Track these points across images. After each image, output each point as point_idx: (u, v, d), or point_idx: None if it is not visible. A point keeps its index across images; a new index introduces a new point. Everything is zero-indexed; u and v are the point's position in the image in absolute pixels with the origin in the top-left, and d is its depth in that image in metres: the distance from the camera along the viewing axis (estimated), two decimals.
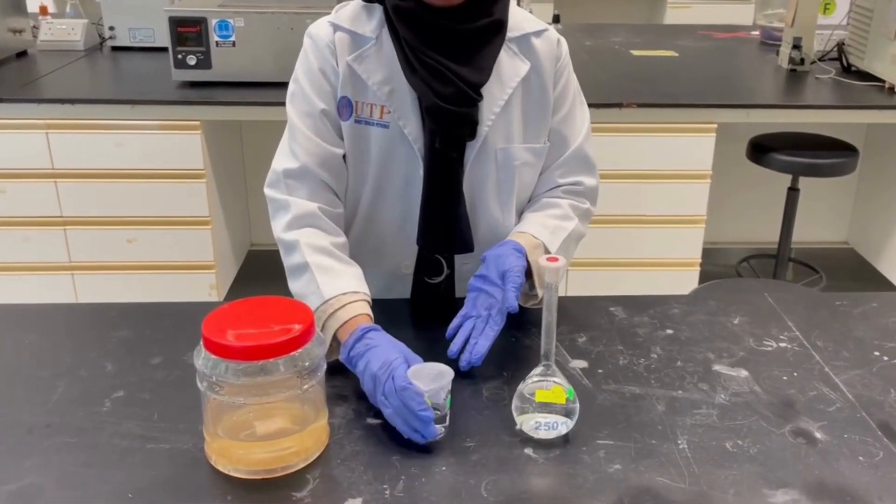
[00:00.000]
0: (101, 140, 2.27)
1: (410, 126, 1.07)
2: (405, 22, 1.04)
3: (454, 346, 0.99)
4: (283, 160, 1.09)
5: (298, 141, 1.08)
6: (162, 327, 1.11)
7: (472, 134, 1.08)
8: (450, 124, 1.06)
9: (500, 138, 1.10)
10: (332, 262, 1.04)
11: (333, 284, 1.01)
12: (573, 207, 1.17)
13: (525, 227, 1.12)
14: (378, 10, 1.09)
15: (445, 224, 1.11)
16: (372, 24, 1.09)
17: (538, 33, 1.12)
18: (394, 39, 1.07)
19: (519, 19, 1.12)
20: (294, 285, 1.06)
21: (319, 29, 1.10)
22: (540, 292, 1.09)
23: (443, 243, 1.14)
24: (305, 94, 1.09)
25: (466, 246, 1.13)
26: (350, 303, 0.99)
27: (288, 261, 1.07)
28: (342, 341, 0.96)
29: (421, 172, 1.09)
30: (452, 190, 1.10)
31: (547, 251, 1.09)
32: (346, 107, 1.09)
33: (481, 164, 1.11)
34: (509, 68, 1.09)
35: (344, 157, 1.11)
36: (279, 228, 1.07)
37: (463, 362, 0.98)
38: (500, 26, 1.08)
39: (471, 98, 1.05)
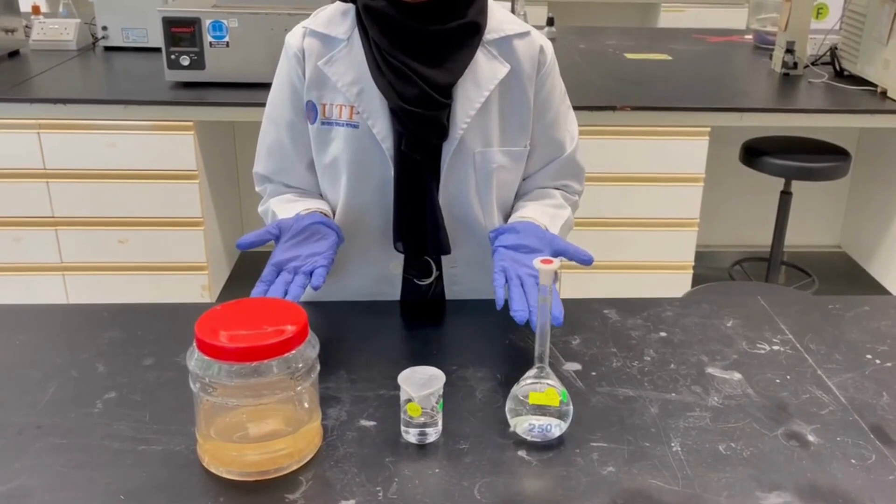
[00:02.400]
0: (93, 140, 2.26)
1: (379, 126, 1.07)
2: (375, 22, 1.05)
3: (521, 310, 0.91)
4: (255, 162, 1.20)
5: (262, 148, 1.18)
6: (154, 328, 1.10)
7: (440, 137, 1.08)
8: (415, 126, 1.06)
9: (478, 141, 1.10)
10: (295, 198, 1.15)
11: (290, 211, 1.09)
12: (564, 197, 1.19)
13: (525, 213, 1.13)
14: (353, 10, 1.10)
15: (419, 226, 1.10)
16: (345, 26, 1.10)
17: (520, 35, 1.10)
18: (363, 40, 1.08)
19: (500, 21, 1.11)
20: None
21: (292, 36, 1.12)
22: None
23: (419, 245, 1.14)
24: (275, 102, 1.15)
25: (442, 248, 1.13)
26: (306, 215, 1.07)
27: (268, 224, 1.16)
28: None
29: (392, 174, 1.09)
30: (423, 192, 1.09)
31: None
32: (311, 110, 1.11)
33: (459, 167, 1.10)
34: (487, 70, 1.08)
35: (308, 165, 1.16)
36: (259, 208, 1.20)
37: (555, 320, 0.89)
38: (474, 28, 1.07)
39: (436, 100, 1.04)
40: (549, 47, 1.13)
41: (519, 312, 0.92)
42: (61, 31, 2.74)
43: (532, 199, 1.17)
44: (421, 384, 0.85)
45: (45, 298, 2.37)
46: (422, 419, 0.85)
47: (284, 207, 1.13)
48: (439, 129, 1.07)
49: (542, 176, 1.18)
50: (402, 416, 0.87)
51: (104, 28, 2.71)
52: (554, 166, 1.17)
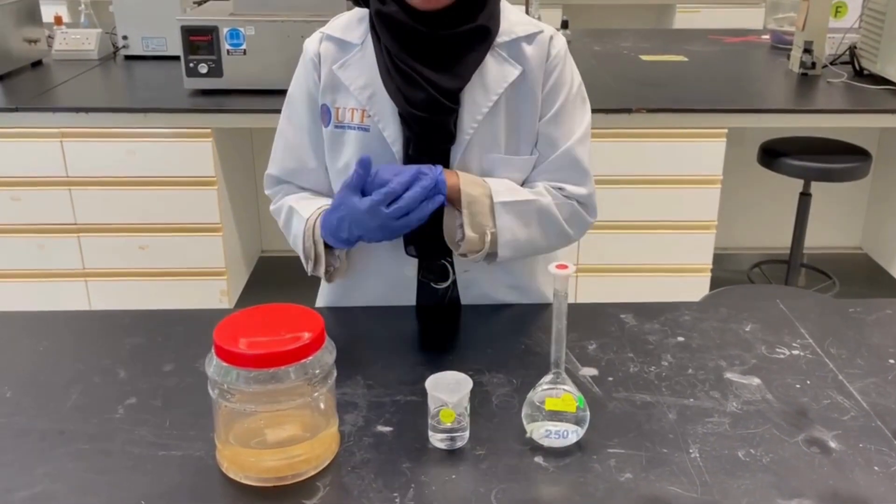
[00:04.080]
0: (114, 148, 2.29)
1: (389, 130, 1.08)
2: (386, 27, 1.06)
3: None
4: (269, 165, 1.21)
5: (278, 149, 1.19)
6: (174, 334, 1.11)
7: (447, 141, 1.08)
8: (423, 131, 1.06)
9: (484, 146, 1.09)
10: (309, 195, 1.17)
11: (313, 205, 1.12)
12: (548, 191, 1.11)
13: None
14: (368, 16, 1.11)
15: (429, 229, 1.09)
16: (360, 31, 1.11)
17: (530, 38, 1.09)
18: (375, 45, 1.09)
19: (511, 23, 1.10)
20: (290, 236, 1.16)
21: (309, 42, 1.14)
22: (469, 233, 1.05)
23: (430, 248, 1.13)
24: (292, 106, 1.16)
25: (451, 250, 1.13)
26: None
27: (280, 221, 1.19)
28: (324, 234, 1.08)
29: None
30: None
31: (490, 197, 1.05)
32: (325, 114, 1.13)
33: (464, 171, 1.09)
34: (497, 74, 1.08)
35: (323, 168, 1.16)
36: (271, 207, 1.21)
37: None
38: (484, 33, 1.07)
39: (443, 105, 1.04)
40: (559, 39, 1.11)
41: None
42: (83, 40, 2.78)
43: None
44: (451, 389, 0.85)
45: (68, 304, 2.41)
46: (451, 424, 0.86)
47: (303, 204, 1.14)
48: (446, 134, 1.07)
49: (537, 173, 1.13)
50: (431, 421, 0.87)
51: (124, 37, 2.75)
52: (549, 162, 1.12)
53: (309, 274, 1.15)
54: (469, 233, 1.05)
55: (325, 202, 1.13)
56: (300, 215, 1.12)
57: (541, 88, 1.10)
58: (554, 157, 1.12)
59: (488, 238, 1.06)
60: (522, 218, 1.08)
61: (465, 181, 1.06)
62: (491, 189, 1.07)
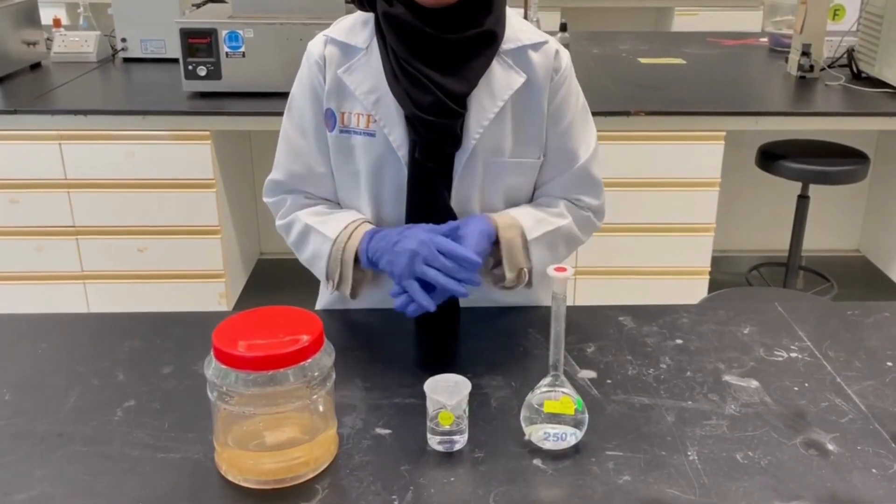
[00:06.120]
0: (112, 150, 2.29)
1: (395, 134, 1.08)
2: (393, 30, 1.06)
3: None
4: (273, 171, 1.18)
5: (283, 154, 1.17)
6: (173, 337, 1.11)
7: (454, 145, 1.08)
8: (430, 134, 1.07)
9: (490, 151, 1.10)
10: (327, 211, 1.15)
11: (335, 224, 1.10)
12: (569, 208, 1.16)
13: (508, 210, 1.13)
14: (373, 20, 1.11)
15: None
16: (364, 35, 1.11)
17: (535, 46, 1.10)
18: (381, 48, 1.09)
19: (516, 30, 1.11)
20: (304, 253, 1.15)
21: (313, 45, 1.13)
22: (509, 274, 1.09)
23: None
24: (296, 109, 1.16)
25: None
26: (356, 228, 1.09)
27: (291, 238, 1.16)
28: (359, 254, 1.07)
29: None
30: (436, 199, 1.10)
31: (524, 236, 1.09)
32: (330, 118, 1.12)
33: (470, 176, 1.10)
34: (502, 80, 1.09)
35: (331, 172, 1.16)
36: (278, 222, 1.18)
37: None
38: (491, 38, 1.07)
39: (451, 109, 1.05)
40: (564, 53, 1.13)
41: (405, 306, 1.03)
42: (82, 43, 2.78)
43: (532, 204, 1.17)
44: (450, 391, 0.85)
45: (67, 307, 2.40)
46: (450, 427, 0.86)
47: (322, 223, 1.12)
48: (453, 137, 1.07)
49: (553, 187, 1.17)
50: (430, 424, 0.87)
51: (123, 40, 2.75)
52: (565, 178, 1.16)
53: (329, 292, 1.16)
54: (508, 274, 1.10)
55: (347, 218, 1.11)
56: (323, 234, 1.10)
57: (546, 99, 1.11)
58: (570, 173, 1.16)
59: (526, 277, 1.11)
60: (551, 246, 1.14)
61: (502, 226, 1.09)
62: (523, 228, 1.10)
